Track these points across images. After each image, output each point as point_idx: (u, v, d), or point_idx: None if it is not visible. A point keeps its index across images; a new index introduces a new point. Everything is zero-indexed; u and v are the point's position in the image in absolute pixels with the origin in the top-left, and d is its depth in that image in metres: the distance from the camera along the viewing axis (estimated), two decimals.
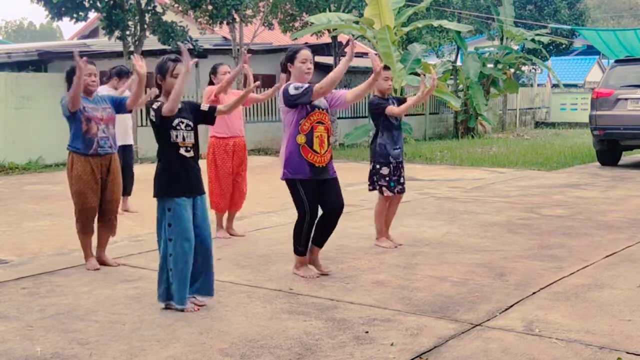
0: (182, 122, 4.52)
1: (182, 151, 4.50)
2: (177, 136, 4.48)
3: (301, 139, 5.08)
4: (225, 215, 6.97)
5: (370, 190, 6.39)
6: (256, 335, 4.00)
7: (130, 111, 5.83)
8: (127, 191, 8.15)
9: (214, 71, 6.83)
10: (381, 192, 6.28)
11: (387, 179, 6.22)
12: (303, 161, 5.08)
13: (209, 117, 4.76)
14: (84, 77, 5.36)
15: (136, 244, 6.56)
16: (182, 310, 4.42)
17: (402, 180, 6.32)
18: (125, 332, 4.08)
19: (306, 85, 5.03)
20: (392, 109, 6.15)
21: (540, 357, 3.67)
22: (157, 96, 4.60)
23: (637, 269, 5.52)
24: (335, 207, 5.22)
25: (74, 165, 5.52)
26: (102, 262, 5.70)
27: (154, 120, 4.47)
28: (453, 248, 6.31)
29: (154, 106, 4.47)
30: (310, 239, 5.28)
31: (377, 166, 6.24)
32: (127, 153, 8.19)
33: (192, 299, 4.56)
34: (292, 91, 5.01)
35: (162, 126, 4.48)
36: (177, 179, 4.46)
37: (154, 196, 4.54)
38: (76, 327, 4.15)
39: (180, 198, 4.44)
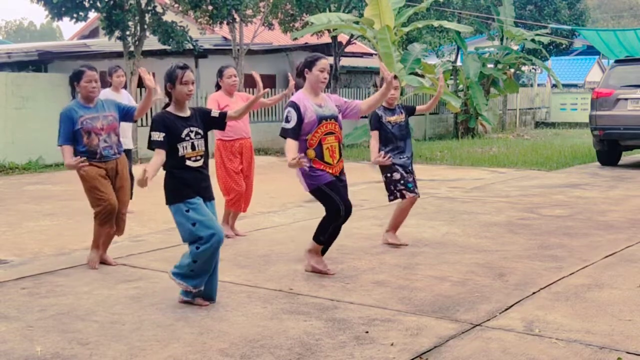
0: (192, 131, 4.53)
1: (189, 162, 4.50)
2: (185, 148, 4.48)
3: (311, 153, 5.10)
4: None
5: (391, 200, 6.34)
6: (256, 335, 4.00)
7: (135, 121, 5.84)
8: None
9: (219, 74, 6.78)
10: (403, 196, 6.25)
11: (402, 181, 6.20)
12: (318, 171, 5.12)
13: (219, 123, 4.79)
14: (83, 84, 5.47)
15: (136, 244, 6.56)
16: (192, 296, 4.51)
17: (416, 184, 6.32)
18: (125, 332, 4.08)
19: (291, 124, 5.03)
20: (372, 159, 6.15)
21: (540, 357, 3.67)
22: (167, 105, 4.59)
23: (637, 269, 5.52)
24: (348, 210, 5.23)
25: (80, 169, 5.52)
26: (102, 261, 5.72)
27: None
28: (453, 248, 6.31)
29: (151, 136, 4.46)
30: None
31: (389, 174, 6.23)
32: (126, 158, 8.11)
33: (196, 300, 4.58)
34: (284, 121, 5.10)
35: (168, 143, 4.46)
36: (186, 185, 4.49)
37: (169, 203, 4.53)
38: (76, 327, 4.16)
39: (193, 198, 4.47)
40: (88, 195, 5.56)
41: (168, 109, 4.57)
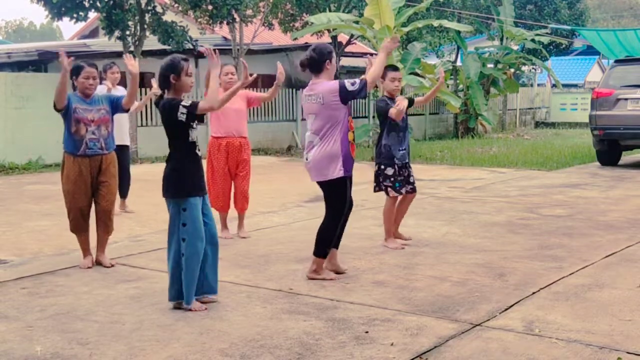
0: (195, 121, 4.56)
1: (196, 150, 4.55)
2: (193, 134, 4.51)
3: (351, 136, 5.13)
4: (229, 215, 6.96)
5: (375, 191, 6.40)
6: (256, 335, 4.00)
7: (127, 110, 5.82)
8: (123, 192, 8.09)
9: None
10: (387, 192, 6.29)
11: (392, 179, 6.22)
12: (351, 158, 5.14)
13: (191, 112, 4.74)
14: (81, 80, 5.51)
15: (136, 244, 6.55)
16: (190, 310, 4.43)
17: (411, 180, 6.34)
18: (125, 332, 4.08)
19: (358, 79, 5.05)
20: (392, 112, 6.12)
21: (540, 357, 3.67)
22: (161, 96, 4.59)
23: (637, 269, 5.52)
24: (351, 204, 5.31)
25: (64, 165, 5.59)
26: (98, 262, 5.71)
27: (183, 119, 4.42)
28: (453, 248, 6.31)
29: (185, 103, 4.42)
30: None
31: (382, 167, 6.25)
32: (123, 154, 8.06)
33: (200, 298, 4.58)
34: (349, 87, 5.00)
35: (186, 126, 4.47)
36: (191, 178, 4.48)
37: (169, 197, 4.51)
38: (76, 327, 4.15)
39: (194, 197, 4.47)
40: (64, 196, 5.63)
41: (169, 97, 4.54)
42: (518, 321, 4.25)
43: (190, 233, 4.44)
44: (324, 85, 5.08)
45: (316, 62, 5.11)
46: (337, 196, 5.14)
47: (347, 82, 5.03)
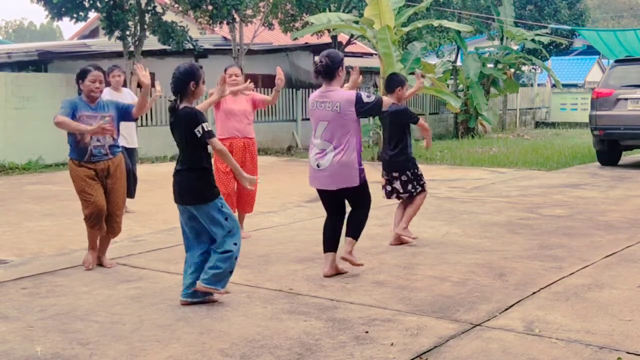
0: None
1: (211, 158, 4.75)
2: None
3: (361, 146, 5.31)
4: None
5: (420, 193, 6.50)
6: (256, 335, 4.00)
7: (135, 120, 5.82)
8: (129, 194, 8.06)
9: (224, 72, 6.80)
10: (424, 188, 6.51)
11: (423, 175, 6.55)
12: (361, 165, 5.33)
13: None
14: (87, 83, 5.47)
15: (136, 244, 6.56)
16: (227, 292, 4.69)
17: None
18: (125, 332, 4.08)
19: (374, 96, 5.22)
20: (422, 121, 6.53)
21: (540, 357, 3.67)
22: (176, 100, 4.60)
23: (637, 269, 5.53)
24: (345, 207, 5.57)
25: (71, 172, 5.57)
26: (99, 263, 5.70)
27: (198, 135, 4.49)
28: (453, 248, 6.31)
29: (206, 127, 4.49)
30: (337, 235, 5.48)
31: (415, 170, 6.46)
32: (131, 156, 8.06)
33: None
34: (365, 99, 5.15)
35: (203, 141, 4.57)
36: (214, 182, 4.69)
37: (208, 202, 4.55)
38: (76, 328, 4.16)
39: (220, 194, 4.68)
40: (79, 197, 5.59)
41: (182, 104, 4.59)
42: (518, 321, 4.25)
43: (234, 221, 4.64)
44: (341, 94, 5.14)
45: (330, 69, 5.16)
46: (367, 194, 5.38)
47: (363, 94, 5.15)
